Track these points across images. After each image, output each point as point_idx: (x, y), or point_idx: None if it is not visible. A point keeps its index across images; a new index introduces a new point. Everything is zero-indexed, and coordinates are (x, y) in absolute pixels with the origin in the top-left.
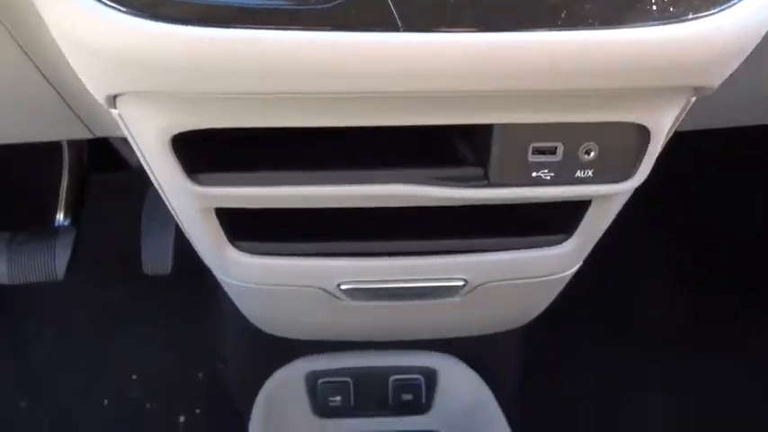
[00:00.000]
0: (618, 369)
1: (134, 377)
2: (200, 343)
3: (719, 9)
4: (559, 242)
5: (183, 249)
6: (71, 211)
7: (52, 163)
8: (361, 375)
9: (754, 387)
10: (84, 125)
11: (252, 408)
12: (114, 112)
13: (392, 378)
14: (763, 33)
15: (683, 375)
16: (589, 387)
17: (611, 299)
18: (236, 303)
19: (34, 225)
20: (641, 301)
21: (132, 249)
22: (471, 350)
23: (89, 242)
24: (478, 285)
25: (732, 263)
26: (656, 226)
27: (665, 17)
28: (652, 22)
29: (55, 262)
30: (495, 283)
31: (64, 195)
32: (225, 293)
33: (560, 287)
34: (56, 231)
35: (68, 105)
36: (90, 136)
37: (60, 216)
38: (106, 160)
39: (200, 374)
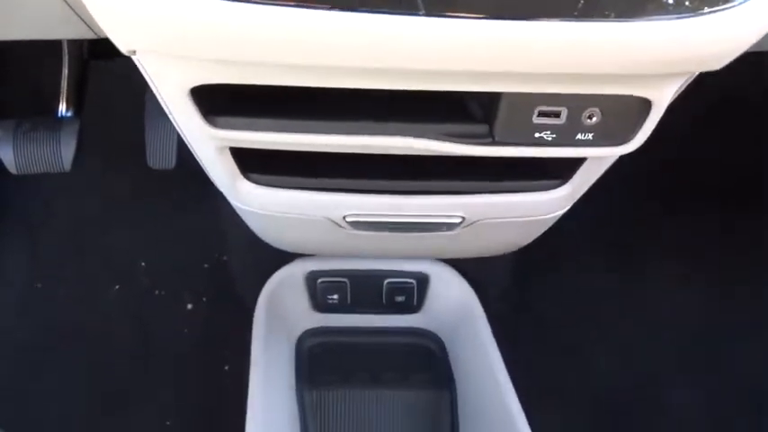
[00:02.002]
0: (597, 287)
1: (142, 264)
2: (204, 235)
3: (733, 4)
4: (554, 187)
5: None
6: (72, 102)
7: (52, 51)
8: (357, 277)
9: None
10: (87, 26)
11: (256, 301)
12: (134, 57)
13: (387, 281)
14: None
15: (667, 291)
16: (568, 301)
17: (599, 216)
18: (245, 221)
19: (36, 115)
20: (628, 216)
21: (136, 140)
22: (464, 262)
23: (92, 132)
24: (475, 222)
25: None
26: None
27: (678, 11)
28: (666, 16)
29: (61, 154)
30: (490, 220)
31: (65, 86)
32: None
33: (552, 223)
34: (60, 122)
35: (72, 8)
36: (93, 36)
37: (62, 107)
38: (105, 48)
39: (205, 265)
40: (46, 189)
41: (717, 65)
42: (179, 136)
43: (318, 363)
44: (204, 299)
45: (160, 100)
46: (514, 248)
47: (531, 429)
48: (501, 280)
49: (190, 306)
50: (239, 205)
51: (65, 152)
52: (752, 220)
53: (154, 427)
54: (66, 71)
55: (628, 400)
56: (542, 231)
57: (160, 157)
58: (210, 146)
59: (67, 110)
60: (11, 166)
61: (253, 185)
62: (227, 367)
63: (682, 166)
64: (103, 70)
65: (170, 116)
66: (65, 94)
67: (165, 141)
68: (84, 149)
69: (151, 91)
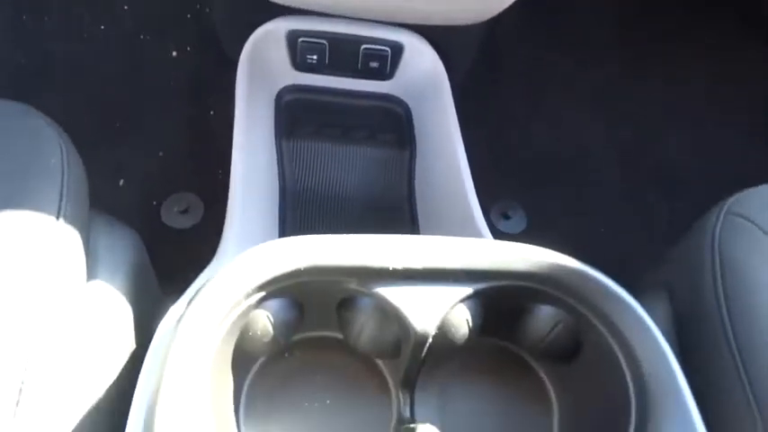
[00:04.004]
0: (553, 69)
1: (125, 8)
2: None
3: None
4: None
5: None
6: None
7: None
8: (336, 40)
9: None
10: None
11: (238, 54)
12: None
13: (363, 47)
14: None
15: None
16: (526, 80)
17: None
18: None
19: None
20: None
21: None
22: (437, 35)
23: None
24: None
25: None
26: None
27: None
28: None
29: None
30: None
31: None
32: None
33: None
34: None
35: None
36: None
37: None
38: None
39: (188, 15)
40: None
41: None
42: None
43: (296, 116)
44: (188, 48)
45: None
46: (483, 17)
47: (474, 185)
48: (469, 56)
49: (174, 53)
50: None
51: None
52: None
53: (150, 156)
54: None
55: (561, 167)
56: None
57: None
58: None
59: None
60: None
61: None
62: (212, 112)
63: None
64: None
65: None
66: None
67: None
68: None
69: None
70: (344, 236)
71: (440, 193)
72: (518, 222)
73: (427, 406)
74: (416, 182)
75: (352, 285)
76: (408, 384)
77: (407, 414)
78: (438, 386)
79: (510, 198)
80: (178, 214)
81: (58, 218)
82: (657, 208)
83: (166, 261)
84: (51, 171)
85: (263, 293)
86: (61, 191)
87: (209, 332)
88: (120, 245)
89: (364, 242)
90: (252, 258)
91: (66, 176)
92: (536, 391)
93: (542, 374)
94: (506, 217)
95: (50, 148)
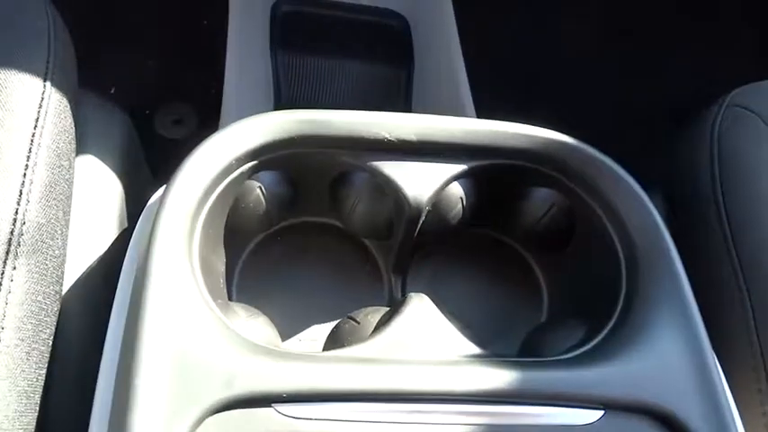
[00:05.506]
0: None
1: None
2: None
3: None
4: None
5: None
6: None
7: None
8: None
9: None
10: None
11: None
12: None
13: None
14: None
15: None
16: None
17: None
18: None
19: None
20: None
21: None
22: None
23: None
24: None
25: None
26: None
27: None
28: None
29: None
30: None
31: None
32: None
33: None
34: None
35: None
36: None
37: None
38: None
39: None
40: None
41: None
42: None
43: (292, 29)
44: None
45: None
46: None
47: (473, 101)
48: None
49: None
50: None
51: None
52: None
53: (142, 65)
54: None
55: (554, 78)
56: None
57: None
58: None
59: None
60: None
61: None
62: (205, 22)
63: None
64: None
65: None
66: None
67: None
68: None
69: None
70: (339, 111)
71: (438, 112)
72: None
73: (418, 290)
74: (414, 100)
75: (346, 158)
76: (400, 268)
77: (399, 296)
78: (429, 273)
79: (508, 113)
80: (171, 124)
81: (45, 80)
82: (659, 120)
83: (160, 170)
84: (38, 33)
85: (255, 162)
86: (48, 53)
87: (200, 191)
88: (111, 123)
89: (359, 116)
90: (245, 125)
91: (53, 40)
92: (527, 277)
93: (533, 264)
94: None
95: (36, 11)
